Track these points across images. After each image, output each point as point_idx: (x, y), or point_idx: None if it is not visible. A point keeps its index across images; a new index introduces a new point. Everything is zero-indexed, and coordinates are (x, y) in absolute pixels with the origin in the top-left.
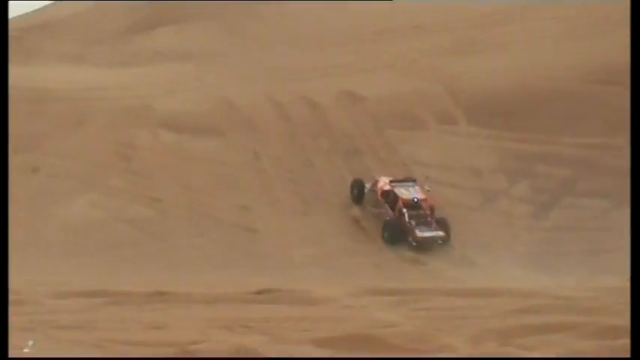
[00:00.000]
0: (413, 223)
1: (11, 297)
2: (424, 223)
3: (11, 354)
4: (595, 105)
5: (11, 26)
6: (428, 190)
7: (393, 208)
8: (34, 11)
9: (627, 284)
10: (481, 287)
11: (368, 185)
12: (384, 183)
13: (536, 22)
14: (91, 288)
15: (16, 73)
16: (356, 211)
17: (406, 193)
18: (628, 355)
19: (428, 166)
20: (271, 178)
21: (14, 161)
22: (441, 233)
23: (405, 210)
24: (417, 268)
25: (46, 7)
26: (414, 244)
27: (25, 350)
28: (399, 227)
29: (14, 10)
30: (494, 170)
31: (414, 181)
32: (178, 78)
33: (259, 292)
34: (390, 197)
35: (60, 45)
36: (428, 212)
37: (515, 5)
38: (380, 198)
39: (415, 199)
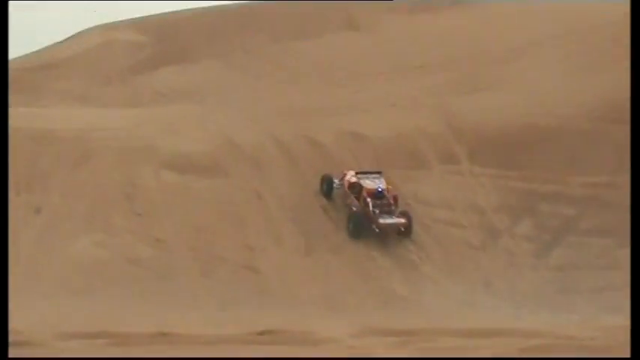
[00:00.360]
0: (377, 211)
1: (15, 338)
2: (387, 212)
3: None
4: (599, 143)
5: (14, 66)
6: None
7: (358, 199)
8: (37, 51)
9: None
10: (484, 327)
11: (337, 180)
12: (350, 176)
13: (539, 60)
14: (94, 329)
15: (19, 114)
16: (324, 202)
17: (371, 183)
18: None
19: (431, 205)
20: (275, 217)
21: (17, 201)
22: (402, 221)
23: (369, 199)
24: (421, 307)
25: (49, 47)
26: (377, 230)
27: None
28: (364, 218)
29: (17, 50)
30: (497, 209)
31: (380, 172)
32: (182, 117)
33: (263, 333)
34: (355, 188)
35: (63, 85)
36: (392, 202)
37: (519, 43)
38: (347, 190)
39: (379, 189)
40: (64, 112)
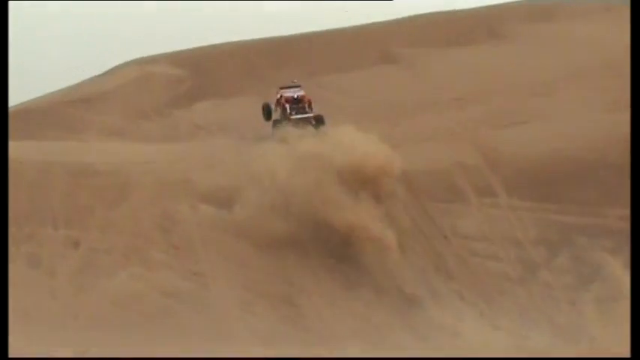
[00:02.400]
0: (293, 112)
1: None
2: (301, 112)
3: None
4: None
5: (53, 99)
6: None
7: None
8: (75, 85)
9: None
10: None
11: (272, 105)
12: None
13: (576, 93)
14: None
15: (57, 147)
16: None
17: (290, 93)
18: None
19: (469, 238)
20: (314, 253)
21: (56, 236)
22: (310, 115)
23: (287, 105)
24: (460, 339)
25: (86, 81)
26: (290, 123)
27: None
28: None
29: (56, 84)
30: (535, 242)
31: (299, 86)
32: (219, 151)
33: None
34: (280, 100)
35: (101, 119)
36: (306, 105)
37: (555, 76)
38: (275, 106)
39: (295, 96)
40: (102, 146)
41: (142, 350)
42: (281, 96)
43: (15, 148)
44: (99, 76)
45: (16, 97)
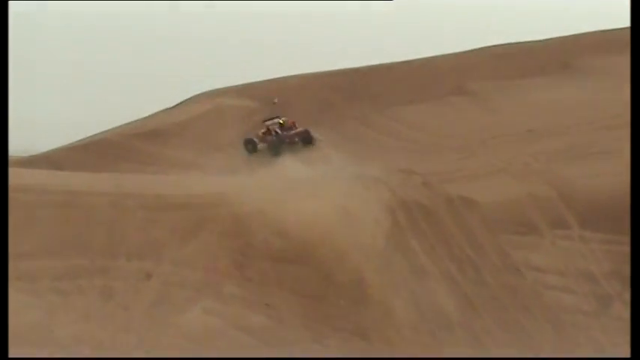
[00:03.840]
0: (279, 132)
1: None
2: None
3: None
4: None
5: (124, 132)
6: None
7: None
8: (145, 118)
9: None
10: None
11: (257, 139)
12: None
13: None
14: None
15: (131, 181)
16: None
17: (275, 121)
18: None
19: (542, 271)
20: (386, 286)
21: (128, 267)
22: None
23: (278, 130)
24: None
25: (158, 113)
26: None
27: None
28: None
29: (126, 116)
30: (608, 275)
31: (278, 116)
32: (292, 184)
33: None
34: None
35: (174, 151)
36: (290, 126)
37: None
38: (262, 137)
39: (281, 121)
40: (175, 179)
41: None
42: (266, 126)
43: (88, 181)
44: (170, 108)
45: (87, 129)
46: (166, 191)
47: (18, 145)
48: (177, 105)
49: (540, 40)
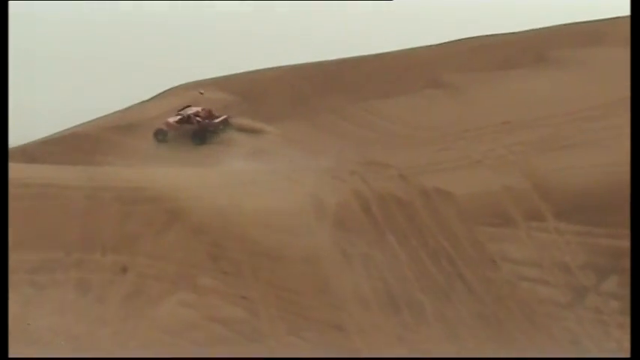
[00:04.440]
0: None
1: None
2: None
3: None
4: None
5: (100, 125)
6: (202, 93)
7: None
8: (123, 110)
9: None
10: None
11: (166, 128)
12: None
13: (625, 118)
14: None
15: (106, 174)
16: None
17: (194, 109)
18: None
19: (517, 263)
20: (360, 277)
21: (104, 261)
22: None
23: (200, 119)
24: None
25: (134, 106)
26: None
27: None
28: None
29: (105, 107)
30: (583, 266)
31: (189, 105)
32: (267, 176)
33: None
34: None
35: (149, 144)
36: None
37: (604, 100)
38: (173, 125)
39: (201, 109)
40: (150, 172)
41: None
42: (189, 116)
43: (63, 174)
44: (146, 101)
45: (63, 122)
46: (141, 184)
47: None
48: (153, 98)
49: (515, 33)
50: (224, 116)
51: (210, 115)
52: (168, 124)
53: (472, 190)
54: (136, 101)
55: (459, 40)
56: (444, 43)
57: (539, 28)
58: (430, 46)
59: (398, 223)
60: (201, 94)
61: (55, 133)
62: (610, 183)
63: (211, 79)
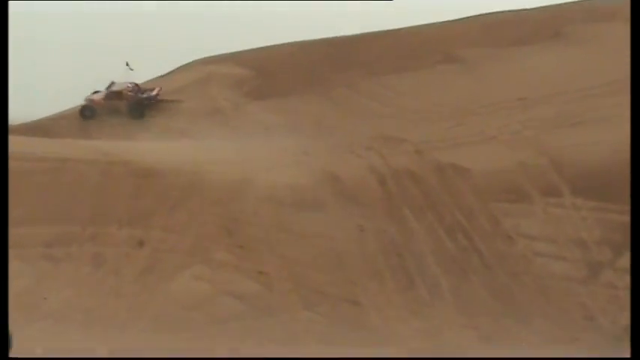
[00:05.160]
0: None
1: None
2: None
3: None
4: None
5: None
6: (132, 69)
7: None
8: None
9: None
10: None
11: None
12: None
13: None
14: None
15: (121, 148)
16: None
17: (125, 85)
18: None
19: (532, 239)
20: (375, 252)
21: (119, 235)
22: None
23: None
24: (525, 338)
25: (150, 81)
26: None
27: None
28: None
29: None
30: (599, 242)
31: (113, 82)
32: (282, 151)
33: None
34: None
35: (164, 119)
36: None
37: (619, 76)
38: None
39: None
40: (165, 146)
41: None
42: (119, 91)
43: (78, 149)
44: (162, 76)
45: (77, 97)
46: (156, 159)
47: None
48: (169, 73)
49: (529, 9)
50: (158, 88)
51: (139, 90)
52: (94, 101)
53: (487, 165)
54: (151, 77)
55: (472, 16)
56: (458, 19)
57: (554, 5)
58: (444, 22)
59: (413, 198)
60: (127, 65)
61: (69, 108)
62: (626, 159)
63: (226, 54)
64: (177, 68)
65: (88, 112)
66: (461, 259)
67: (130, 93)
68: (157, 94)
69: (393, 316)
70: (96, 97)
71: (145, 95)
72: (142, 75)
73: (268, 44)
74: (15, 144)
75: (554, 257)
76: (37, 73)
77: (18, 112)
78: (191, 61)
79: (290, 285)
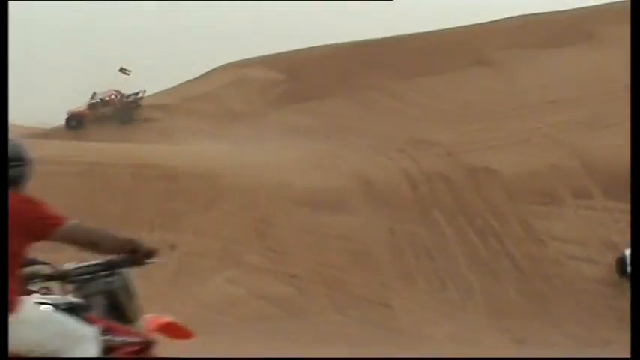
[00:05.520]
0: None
1: None
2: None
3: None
4: None
5: (147, 103)
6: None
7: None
8: (169, 89)
9: None
10: None
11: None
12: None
13: None
14: None
15: (152, 151)
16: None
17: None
18: None
19: (564, 241)
20: (407, 255)
21: (151, 238)
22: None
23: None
24: (557, 341)
25: (181, 85)
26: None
27: None
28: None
29: (151, 86)
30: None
31: (95, 92)
32: (314, 154)
33: None
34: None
35: (195, 122)
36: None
37: None
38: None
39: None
40: (196, 149)
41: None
42: (103, 99)
43: (109, 152)
44: (193, 79)
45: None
46: (188, 162)
47: (40, 117)
48: (201, 76)
49: (561, 11)
50: (141, 91)
51: (123, 95)
52: (79, 113)
53: (519, 168)
54: (183, 80)
55: (503, 18)
56: (490, 21)
57: (585, 7)
58: (475, 24)
59: (445, 201)
60: (127, 74)
61: None
62: None
63: (257, 57)
64: (209, 71)
65: (73, 122)
66: (492, 262)
67: (114, 98)
68: (142, 97)
69: (424, 319)
70: (79, 108)
71: (130, 99)
72: (172, 77)
73: (300, 47)
74: (44, 148)
75: (586, 260)
76: (68, 77)
77: (47, 117)
78: (223, 64)
79: (322, 288)
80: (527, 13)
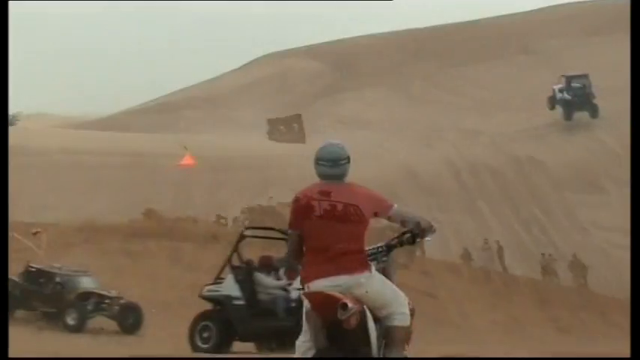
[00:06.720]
0: None
1: None
2: None
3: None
4: None
5: (190, 95)
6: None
7: None
8: (212, 79)
9: None
10: None
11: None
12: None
13: None
14: None
15: (197, 142)
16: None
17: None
18: None
19: (608, 230)
20: (452, 246)
21: (196, 229)
22: None
23: None
24: (602, 331)
25: (223, 75)
26: None
27: None
28: None
29: (192, 78)
30: None
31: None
32: (359, 145)
33: None
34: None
35: (240, 113)
36: None
37: None
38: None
39: None
40: (241, 140)
41: None
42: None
43: (155, 142)
44: (236, 70)
45: (152, 91)
46: (234, 153)
47: (85, 109)
48: (243, 66)
49: (604, 2)
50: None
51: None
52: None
53: (563, 158)
54: (227, 70)
55: (548, 7)
56: (534, 10)
57: None
58: (520, 12)
59: (489, 191)
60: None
61: (144, 103)
62: None
63: (302, 47)
64: (252, 61)
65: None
66: (537, 251)
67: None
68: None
69: (470, 310)
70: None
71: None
72: (214, 68)
73: (342, 37)
74: (90, 140)
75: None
76: (111, 67)
77: (92, 107)
78: (266, 54)
79: None
80: (572, 1)
